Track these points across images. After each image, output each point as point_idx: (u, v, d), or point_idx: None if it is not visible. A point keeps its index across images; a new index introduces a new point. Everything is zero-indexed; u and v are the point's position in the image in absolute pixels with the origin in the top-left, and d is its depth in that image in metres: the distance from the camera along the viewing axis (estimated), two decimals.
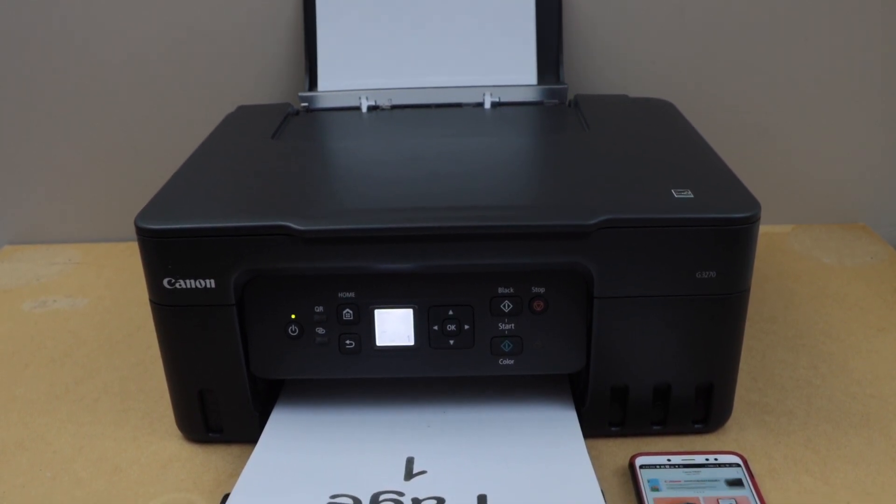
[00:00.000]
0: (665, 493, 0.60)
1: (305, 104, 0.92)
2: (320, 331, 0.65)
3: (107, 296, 0.97)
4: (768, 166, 1.05)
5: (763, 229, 1.05)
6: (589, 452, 0.64)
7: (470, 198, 0.64)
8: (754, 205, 0.62)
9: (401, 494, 0.60)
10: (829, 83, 1.02)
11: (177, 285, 0.62)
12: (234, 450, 0.69)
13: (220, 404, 0.68)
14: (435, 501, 0.59)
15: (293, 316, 0.65)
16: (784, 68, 1.01)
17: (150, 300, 0.64)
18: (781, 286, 0.94)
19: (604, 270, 0.62)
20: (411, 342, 0.66)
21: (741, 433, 0.70)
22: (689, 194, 0.63)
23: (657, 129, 0.79)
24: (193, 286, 0.62)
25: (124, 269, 1.04)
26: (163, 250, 0.62)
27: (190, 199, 0.65)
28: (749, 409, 0.73)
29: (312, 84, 0.94)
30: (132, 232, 0.63)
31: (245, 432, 0.69)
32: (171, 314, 0.64)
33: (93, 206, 1.09)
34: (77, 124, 1.04)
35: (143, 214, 0.62)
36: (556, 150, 0.75)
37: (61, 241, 1.11)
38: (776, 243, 1.04)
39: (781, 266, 0.99)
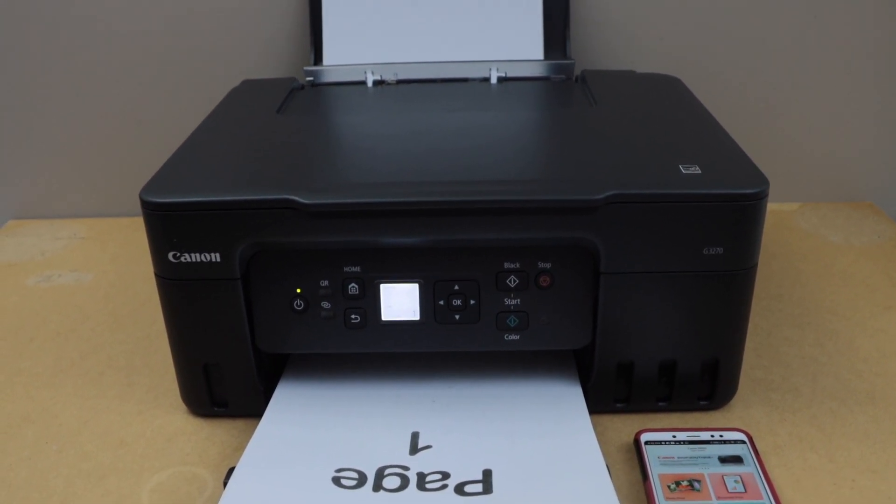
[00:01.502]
0: (670, 470, 0.60)
1: (310, 78, 0.92)
2: (325, 305, 0.65)
3: (111, 270, 0.98)
4: (776, 143, 1.05)
5: (770, 207, 1.05)
6: (594, 428, 0.64)
7: (476, 172, 0.64)
8: (762, 181, 0.61)
9: (406, 469, 0.60)
10: (838, 59, 1.01)
11: (182, 259, 0.62)
12: (239, 424, 0.70)
13: (225, 378, 0.68)
14: (440, 476, 0.59)
15: (298, 290, 0.65)
16: (792, 44, 1.00)
17: (155, 274, 0.64)
18: (788, 264, 0.94)
19: (610, 246, 0.62)
20: (417, 317, 0.65)
21: (746, 410, 0.70)
22: (696, 170, 0.62)
23: (664, 104, 0.78)
24: (198, 260, 0.62)
25: (129, 243, 1.04)
26: (168, 224, 0.61)
27: (195, 172, 0.65)
28: (754, 386, 0.73)
29: (318, 58, 0.93)
30: (137, 206, 0.63)
31: (250, 406, 0.69)
32: (176, 288, 0.64)
33: (97, 180, 1.09)
34: (81, 98, 1.04)
35: (148, 188, 0.62)
36: (563, 126, 0.75)
37: (66, 216, 1.11)
38: (783, 221, 1.04)
39: (788, 244, 0.98)
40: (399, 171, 0.64)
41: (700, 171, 0.62)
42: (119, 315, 0.88)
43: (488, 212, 0.61)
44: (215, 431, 0.69)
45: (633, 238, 0.61)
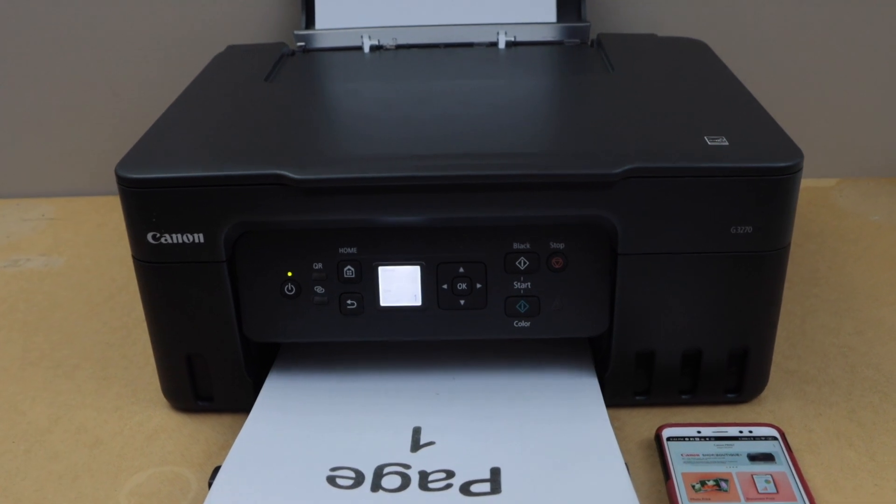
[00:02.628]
0: (694, 468, 0.61)
1: (302, 44, 0.92)
2: (319, 289, 0.66)
3: (85, 254, 0.98)
4: (811, 112, 1.05)
5: (805, 182, 1.05)
6: (612, 423, 0.64)
7: (482, 145, 0.64)
8: (796, 153, 0.61)
9: (407, 467, 0.61)
10: (879, 24, 1.01)
11: (162, 240, 0.63)
12: (226, 420, 0.70)
13: (210, 370, 0.69)
14: (444, 475, 0.60)
15: (289, 273, 0.66)
16: (828, 5, 1.00)
17: (133, 257, 0.65)
18: (824, 245, 0.94)
19: (629, 224, 0.62)
20: (418, 302, 0.66)
21: (778, 404, 0.70)
22: (723, 141, 0.63)
23: (688, 70, 0.79)
24: (180, 241, 0.63)
25: (104, 224, 1.04)
26: (147, 202, 0.62)
27: (176, 146, 0.66)
28: (787, 377, 0.74)
29: (309, 22, 0.93)
30: (112, 184, 0.63)
31: (237, 400, 0.70)
32: (156, 272, 0.64)
33: (68, 155, 1.09)
34: (50, 66, 1.04)
35: (125, 163, 0.63)
36: (578, 94, 0.75)
37: (34, 195, 1.12)
38: (819, 198, 1.04)
39: (824, 223, 0.99)
40: (399, 144, 0.65)
41: (727, 143, 0.62)
42: (93, 303, 0.89)
43: (496, 188, 0.61)
44: (199, 428, 0.70)
45: (654, 216, 0.62)
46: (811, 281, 0.87)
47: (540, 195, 0.61)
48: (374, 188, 0.61)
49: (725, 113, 0.68)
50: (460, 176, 0.61)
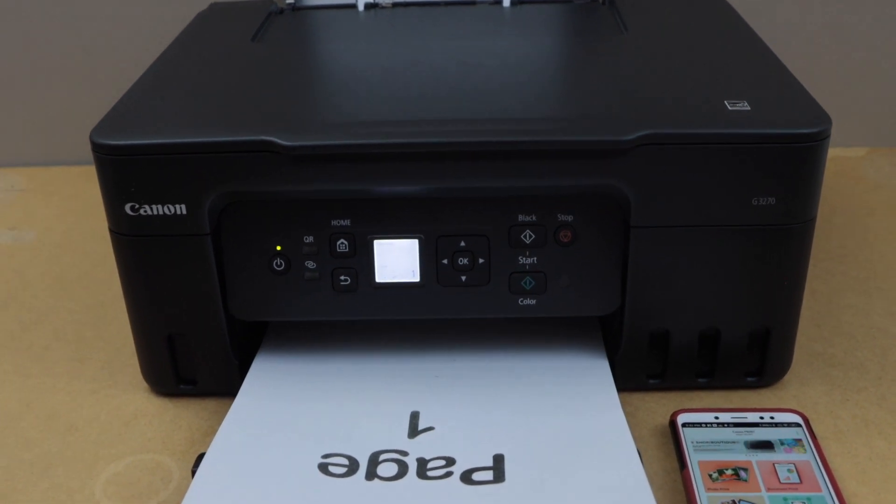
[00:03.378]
0: (711, 456, 0.62)
1: (291, 1, 0.92)
2: (310, 265, 0.66)
3: (58, 227, 0.99)
4: (840, 76, 1.05)
5: (832, 152, 1.05)
6: (623, 408, 0.65)
7: (485, 110, 0.64)
8: (823, 119, 0.62)
9: (404, 454, 0.61)
10: None
11: (141, 212, 0.63)
12: (210, 404, 0.71)
13: (194, 351, 0.69)
14: (444, 462, 0.61)
15: (278, 247, 0.66)
16: None
17: (110, 230, 0.65)
18: (853, 219, 0.94)
19: (643, 195, 0.62)
20: (416, 278, 0.66)
21: (802, 388, 0.71)
22: (745, 106, 0.63)
23: (707, 30, 0.79)
24: (161, 212, 0.63)
25: (78, 195, 1.05)
26: (124, 170, 0.62)
27: (156, 110, 0.66)
28: (812, 360, 0.74)
29: None
30: (87, 152, 0.63)
31: (222, 383, 0.70)
32: (134, 246, 0.65)
33: (39, 122, 1.09)
34: (18, 25, 1.04)
35: (101, 128, 0.63)
36: (588, 56, 0.75)
37: (2, 165, 1.12)
38: (847, 169, 1.05)
39: (853, 196, 0.99)
40: (396, 109, 0.65)
41: (749, 108, 0.63)
42: (67, 279, 0.89)
43: (500, 155, 0.62)
44: (182, 413, 0.70)
45: (670, 186, 0.62)
46: (838, 257, 0.88)
47: (547, 163, 0.62)
48: (369, 156, 0.61)
49: (747, 75, 0.68)
50: (461, 143, 0.61)
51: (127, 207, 0.63)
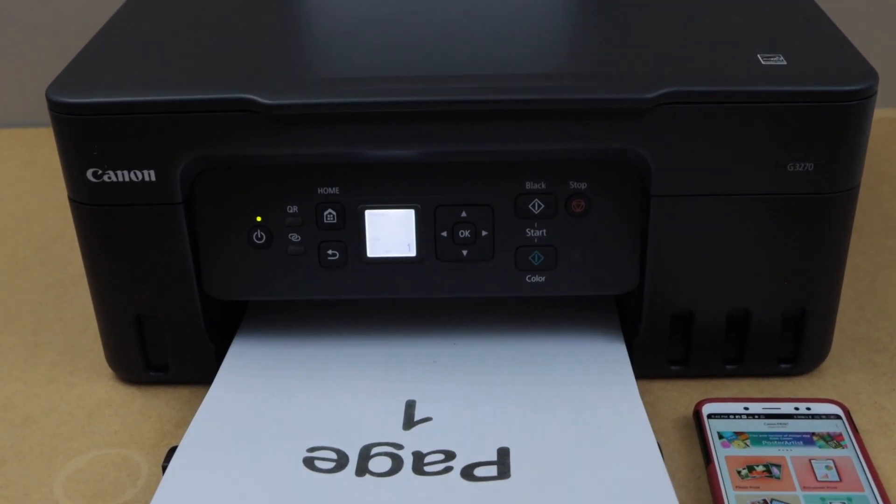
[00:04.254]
0: (740, 451, 0.62)
1: None
2: (294, 237, 0.67)
3: (10, 197, 0.99)
4: (888, 28, 1.05)
5: (879, 113, 1.04)
6: (642, 398, 0.65)
7: (488, 65, 0.64)
8: (869, 74, 0.62)
9: (399, 447, 0.62)
10: None
11: (105, 178, 0.63)
12: (183, 393, 0.71)
13: (164, 334, 0.70)
14: (443, 456, 0.61)
15: (258, 218, 0.66)
16: None
17: (70, 199, 0.65)
18: None
19: (664, 160, 0.63)
20: (412, 252, 0.67)
21: (842, 376, 0.72)
22: (780, 60, 0.63)
23: None
24: (127, 179, 0.63)
25: (33, 161, 1.05)
26: (86, 132, 0.62)
27: (121, 64, 0.66)
28: (853, 345, 0.75)
29: None
30: (43, 112, 0.63)
31: (196, 370, 0.71)
32: (97, 216, 0.65)
33: None
34: None
35: (59, 85, 0.63)
36: (604, 5, 0.75)
37: None
38: (895, 132, 1.05)
39: None
40: (389, 64, 0.65)
41: (785, 62, 0.63)
42: (21, 256, 0.89)
43: (505, 115, 0.62)
44: (151, 403, 0.71)
45: (695, 150, 0.62)
46: (884, 230, 0.88)
47: (558, 125, 0.62)
48: (359, 115, 0.62)
49: (783, 25, 0.68)
50: (463, 101, 0.61)
51: (89, 173, 0.63)
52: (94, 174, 0.63)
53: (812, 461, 0.61)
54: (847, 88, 0.61)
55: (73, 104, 0.62)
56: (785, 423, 0.64)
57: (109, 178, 0.63)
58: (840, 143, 0.62)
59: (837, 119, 0.61)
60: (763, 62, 0.63)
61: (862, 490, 0.59)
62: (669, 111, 0.61)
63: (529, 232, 0.66)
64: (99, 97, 0.62)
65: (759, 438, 0.63)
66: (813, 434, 0.63)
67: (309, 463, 0.61)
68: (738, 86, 0.61)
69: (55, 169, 0.67)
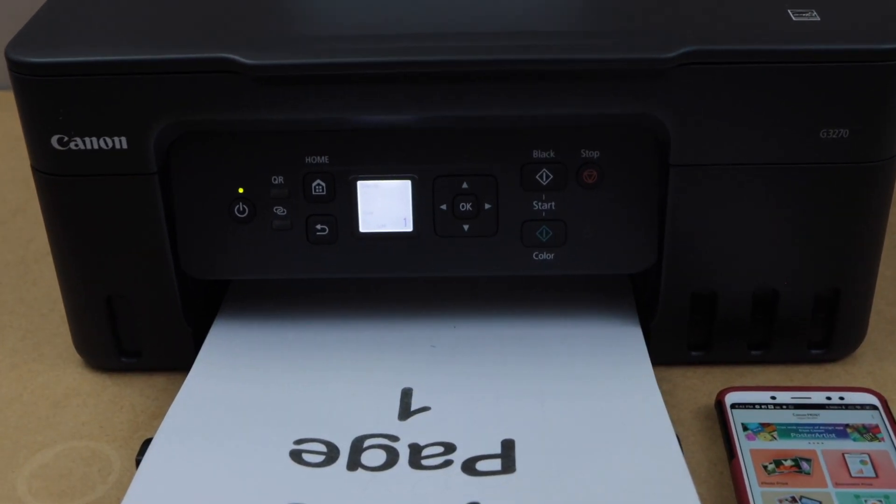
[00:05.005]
0: (766, 444, 0.62)
1: None
2: (279, 211, 0.67)
3: None
4: None
5: None
6: (660, 386, 0.66)
7: (492, 22, 0.64)
8: None
9: (394, 439, 0.62)
10: None
11: (71, 145, 0.64)
12: (158, 380, 0.72)
13: (138, 317, 0.70)
14: (442, 449, 0.61)
15: (241, 190, 0.67)
16: None
17: (33, 168, 0.66)
18: None
19: (684, 126, 0.63)
20: (409, 227, 0.67)
21: (879, 363, 0.72)
22: (813, 16, 0.63)
23: None
24: (96, 147, 0.64)
25: None
26: (50, 94, 0.62)
27: (89, 20, 0.66)
28: (891, 329, 0.75)
29: None
30: (2, 74, 0.63)
31: (173, 356, 0.71)
32: (64, 188, 0.65)
33: None
34: None
35: (19, 43, 0.63)
36: None
37: None
38: None
39: None
40: (383, 20, 0.65)
41: (818, 18, 0.63)
42: None
43: (510, 77, 0.62)
44: (124, 392, 0.71)
45: (718, 116, 0.63)
46: None
47: (568, 87, 0.62)
48: (349, 77, 0.62)
49: None
50: (463, 61, 0.61)
51: (54, 140, 0.63)
52: (60, 141, 0.63)
53: (845, 455, 0.61)
54: (886, 47, 0.61)
55: (36, 64, 0.62)
56: (816, 414, 0.65)
57: (76, 145, 0.63)
58: (878, 107, 0.62)
59: (875, 81, 0.62)
60: (794, 18, 0.63)
61: None
62: (690, 72, 0.61)
63: (537, 205, 0.66)
64: (64, 56, 0.62)
65: (787, 430, 0.63)
66: (847, 426, 0.64)
67: (296, 456, 0.61)
68: (766, 44, 0.61)
69: (16, 136, 0.67)
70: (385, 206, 0.67)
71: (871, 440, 0.63)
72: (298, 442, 0.62)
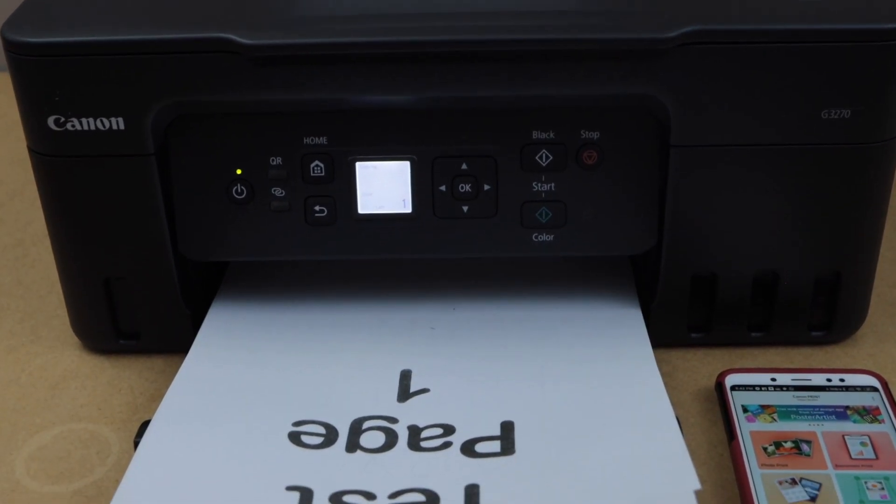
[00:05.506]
0: (766, 426, 0.62)
1: None
2: (278, 192, 0.67)
3: None
4: None
5: None
6: (659, 367, 0.66)
7: (493, 2, 0.64)
8: None
9: (393, 421, 0.62)
10: None
11: (68, 126, 0.63)
12: (156, 362, 0.72)
13: (136, 299, 0.70)
14: (441, 430, 0.61)
15: (239, 171, 0.66)
16: None
17: (30, 149, 0.65)
18: None
19: (686, 107, 0.63)
20: (408, 209, 0.67)
21: (880, 345, 0.72)
22: None
23: None
24: (93, 128, 0.63)
25: None
26: (47, 75, 0.62)
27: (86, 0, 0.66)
28: (892, 311, 0.75)
29: None
30: None
31: (171, 338, 0.71)
32: (61, 169, 0.65)
33: None
34: None
35: (15, 22, 0.63)
36: None
37: None
38: None
39: None
40: (382, 0, 0.65)
41: None
42: None
43: (510, 57, 0.62)
44: (122, 374, 0.71)
45: (719, 96, 0.62)
46: None
47: (568, 68, 0.62)
48: (348, 57, 0.62)
49: None
50: (463, 41, 0.61)
51: (50, 121, 0.63)
52: (57, 122, 0.63)
53: (846, 437, 0.62)
54: (889, 26, 0.61)
55: (33, 44, 0.61)
56: (816, 396, 0.65)
57: (73, 126, 0.63)
58: (880, 87, 0.62)
59: (878, 60, 0.61)
60: None
61: None
62: (691, 52, 0.61)
63: (536, 186, 0.66)
64: (61, 36, 0.62)
65: (787, 412, 0.63)
66: (847, 408, 0.64)
67: (295, 438, 0.61)
68: (768, 24, 0.61)
69: (13, 118, 0.67)
70: (384, 187, 0.66)
71: (872, 422, 0.63)
72: (297, 424, 0.62)
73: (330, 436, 0.61)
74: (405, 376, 0.66)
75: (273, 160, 0.66)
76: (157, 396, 0.68)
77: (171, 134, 0.65)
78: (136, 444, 0.61)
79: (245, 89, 0.62)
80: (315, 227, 0.67)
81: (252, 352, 0.69)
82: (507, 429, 0.61)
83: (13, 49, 0.62)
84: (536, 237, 0.67)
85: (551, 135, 0.65)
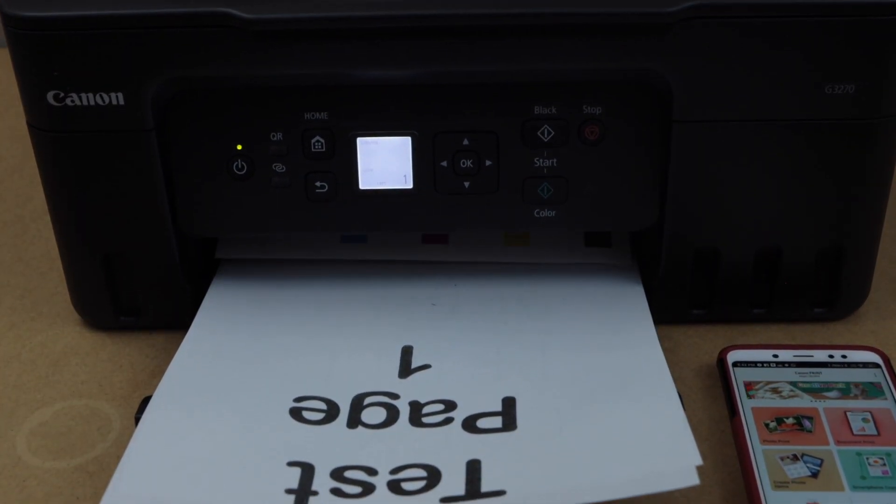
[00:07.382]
0: (768, 402, 0.63)
1: None
2: (278, 168, 0.67)
3: None
4: None
5: None
6: (661, 344, 0.65)
7: None
8: None
9: (394, 397, 0.62)
10: None
11: (68, 101, 0.63)
12: (157, 339, 0.72)
13: (136, 275, 0.70)
14: (442, 406, 0.62)
15: (239, 147, 0.66)
16: None
17: (29, 125, 0.65)
18: None
19: (688, 82, 0.63)
20: (409, 184, 0.67)
21: (882, 322, 0.72)
22: None
23: None
24: (92, 103, 0.63)
25: None
26: (46, 49, 0.62)
27: None
28: (895, 288, 0.75)
29: None
30: None
31: (172, 314, 0.71)
32: (60, 145, 0.65)
33: None
34: None
35: None
36: None
37: None
38: None
39: None
40: None
41: None
42: None
43: (512, 32, 0.62)
44: (122, 350, 0.71)
45: (722, 70, 0.62)
46: None
47: (570, 42, 0.62)
48: (349, 31, 0.61)
49: None
50: (464, 15, 0.61)
51: (49, 96, 0.63)
52: (56, 97, 0.63)
53: (847, 413, 0.62)
54: (894, 1, 0.60)
55: (31, 18, 0.61)
56: (818, 372, 0.65)
57: (73, 101, 0.63)
58: (884, 62, 0.62)
59: (883, 34, 0.61)
60: None
61: None
62: (694, 27, 0.61)
63: (538, 161, 0.66)
64: (60, 10, 0.61)
65: (789, 389, 0.63)
66: (849, 384, 0.64)
67: (296, 414, 0.61)
68: None
69: (12, 94, 0.67)
70: (385, 162, 0.66)
71: (874, 398, 0.62)
72: (298, 400, 0.62)
73: (331, 412, 0.61)
74: (406, 352, 0.66)
75: (273, 135, 0.66)
76: (157, 373, 0.68)
77: (170, 109, 0.65)
78: (137, 421, 0.61)
79: (245, 64, 0.62)
80: (316, 202, 0.67)
81: (253, 327, 0.69)
82: (509, 404, 0.61)
83: (12, 24, 0.61)
84: (538, 213, 0.67)
85: (553, 110, 0.65)
